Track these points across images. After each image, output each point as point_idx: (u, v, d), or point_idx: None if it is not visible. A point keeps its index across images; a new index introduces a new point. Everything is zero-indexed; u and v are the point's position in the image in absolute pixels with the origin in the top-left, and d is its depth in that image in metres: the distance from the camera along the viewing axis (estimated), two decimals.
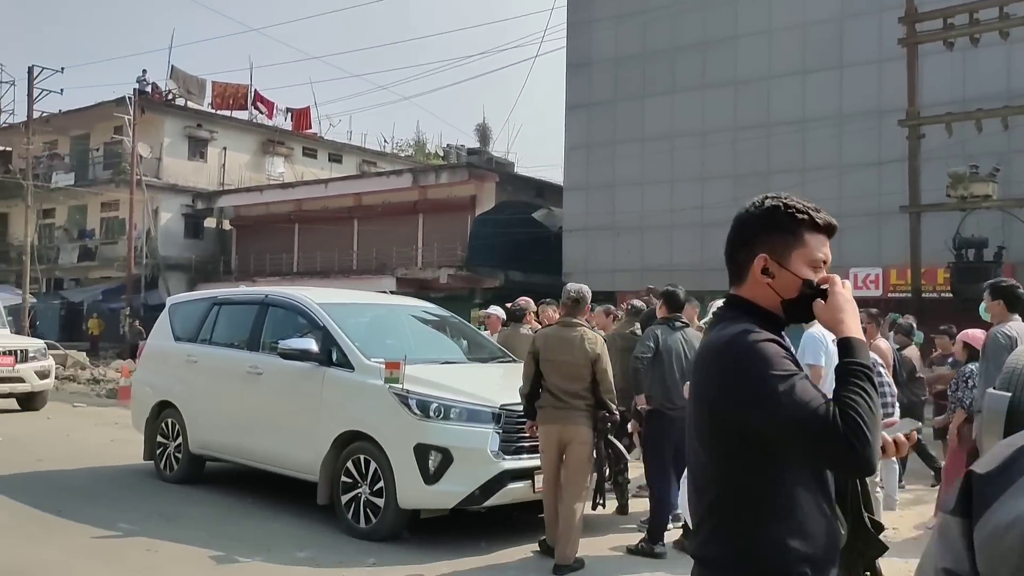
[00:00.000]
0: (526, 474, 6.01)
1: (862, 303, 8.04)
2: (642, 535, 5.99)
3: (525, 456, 6.04)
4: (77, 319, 36.90)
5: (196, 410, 7.88)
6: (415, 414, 5.99)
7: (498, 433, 5.95)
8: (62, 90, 60.15)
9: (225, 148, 38.78)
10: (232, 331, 7.93)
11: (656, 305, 7.18)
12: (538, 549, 5.94)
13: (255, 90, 39.96)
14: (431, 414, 5.96)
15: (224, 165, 38.71)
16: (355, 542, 6.10)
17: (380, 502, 6.13)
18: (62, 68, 38.15)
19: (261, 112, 40.42)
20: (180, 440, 8.02)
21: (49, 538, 6.09)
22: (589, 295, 6.06)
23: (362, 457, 6.29)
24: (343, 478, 6.39)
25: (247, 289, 8.50)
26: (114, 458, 9.42)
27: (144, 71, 36.87)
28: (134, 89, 34.99)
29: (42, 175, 36.53)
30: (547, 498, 5.79)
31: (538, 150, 79.20)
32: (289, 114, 41.59)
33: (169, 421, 8.19)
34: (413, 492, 5.95)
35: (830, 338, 6.52)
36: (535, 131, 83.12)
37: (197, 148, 38.30)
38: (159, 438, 8.29)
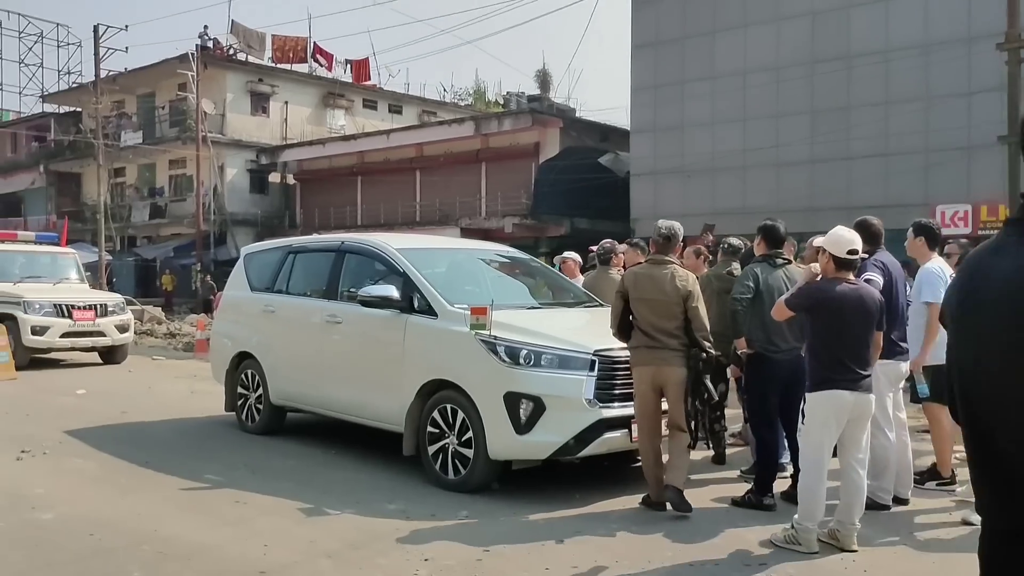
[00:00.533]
0: (623, 422, 5.71)
1: (952, 241, 7.34)
2: (748, 486, 5.66)
3: (621, 404, 5.73)
4: (151, 275, 37.69)
5: (275, 361, 7.75)
6: (504, 362, 5.71)
7: (593, 380, 5.63)
8: (127, 48, 60.94)
9: (286, 102, 38.81)
10: (308, 279, 7.75)
11: (750, 244, 6.78)
12: (642, 504, 5.65)
13: (314, 42, 39.80)
14: (521, 361, 5.68)
15: (286, 119, 38.78)
16: (444, 494, 5.91)
17: (469, 453, 5.91)
18: (126, 26, 38.29)
19: (321, 64, 40.27)
20: (261, 391, 7.92)
21: (139, 489, 6.03)
22: (681, 232, 5.68)
23: (449, 407, 6.07)
24: (429, 428, 6.18)
25: (322, 237, 8.29)
26: (195, 410, 9.43)
27: (205, 27, 37.13)
28: (196, 45, 35.09)
29: (111, 134, 37.08)
30: (643, 444, 5.49)
31: (601, 94, 77.76)
32: (348, 66, 41.38)
33: (249, 372, 8.09)
34: (504, 443, 5.71)
35: (948, 273, 6.03)
36: (598, 75, 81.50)
37: (259, 103, 38.41)
38: (239, 389, 8.22)
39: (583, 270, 9.07)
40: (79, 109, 41.90)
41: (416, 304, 6.45)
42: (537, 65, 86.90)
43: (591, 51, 74.39)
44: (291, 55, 39.08)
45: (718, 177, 24.85)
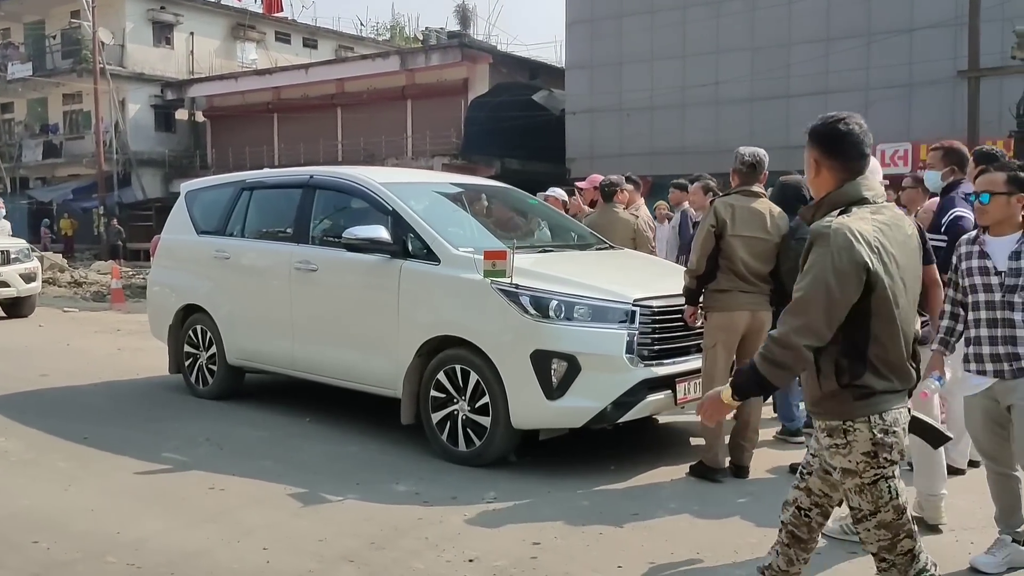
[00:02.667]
0: (666, 382, 4.94)
1: (893, 180, 6.86)
2: (795, 449, 5.00)
3: (665, 361, 4.95)
4: (47, 220, 35.06)
5: (232, 315, 6.68)
6: (530, 314, 4.84)
7: (634, 334, 4.83)
8: None
9: (192, 33, 36.28)
10: (271, 220, 6.66)
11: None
12: (691, 474, 4.93)
13: None
14: (551, 313, 4.82)
15: (192, 52, 36.29)
16: (457, 470, 5.06)
17: (484, 421, 5.06)
18: None
19: None
20: (214, 350, 6.85)
21: (84, 475, 4.97)
22: (767, 159, 4.91)
23: (458, 368, 5.18)
24: (433, 393, 5.29)
25: (283, 171, 7.19)
26: (129, 370, 8.27)
27: None
28: None
29: None
30: None
31: (524, 31, 75.71)
32: None
33: (198, 328, 7.00)
34: (532, 409, 4.87)
35: None
36: (521, 10, 79.44)
37: (162, 33, 35.79)
38: (187, 348, 7.12)
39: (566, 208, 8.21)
40: None
41: (411, 247, 5.49)
42: (455, 0, 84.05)
43: None
44: None
45: (656, 115, 24.19)
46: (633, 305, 4.87)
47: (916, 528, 2.55)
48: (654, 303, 4.96)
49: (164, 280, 7.45)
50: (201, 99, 35.15)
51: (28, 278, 12.42)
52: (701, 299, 4.89)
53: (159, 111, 35.47)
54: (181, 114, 36.26)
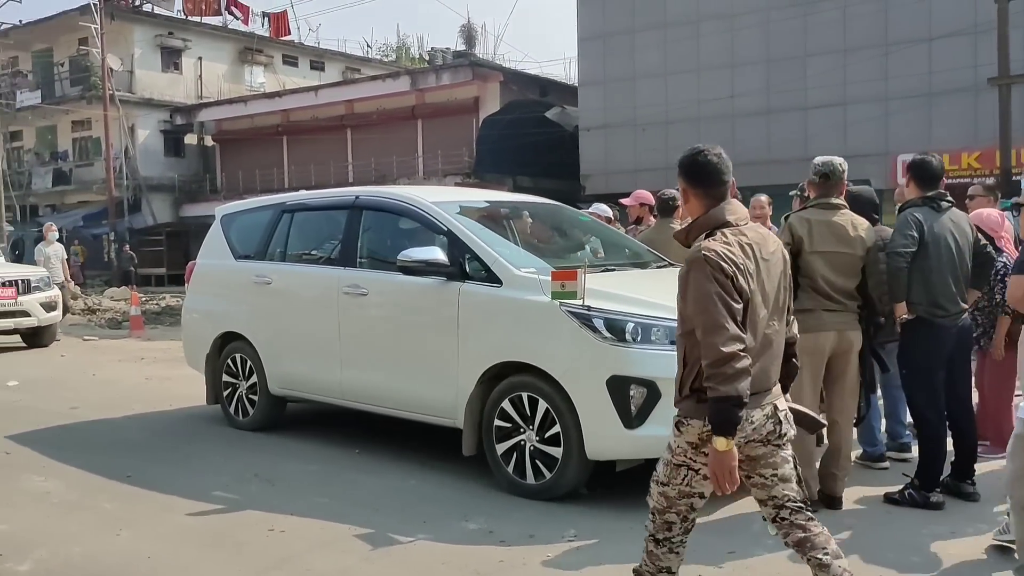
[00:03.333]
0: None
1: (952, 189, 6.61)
2: (908, 479, 4.69)
3: None
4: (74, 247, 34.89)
5: (274, 342, 6.42)
6: (605, 338, 4.56)
7: None
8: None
9: (200, 58, 36.26)
10: (315, 243, 6.41)
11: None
12: None
13: None
14: (628, 337, 4.54)
15: (201, 77, 36.25)
16: (527, 505, 4.77)
17: (554, 452, 4.77)
18: None
19: (236, 18, 37.75)
20: (255, 379, 6.58)
21: (132, 517, 4.69)
22: (844, 167, 4.64)
23: (525, 395, 4.90)
24: (497, 422, 5.01)
25: (327, 192, 6.93)
26: (160, 401, 8.00)
27: None
28: None
29: (5, 94, 33.96)
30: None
31: (532, 48, 75.73)
32: (266, 19, 38.90)
33: (237, 356, 6.73)
34: (609, 439, 4.59)
35: None
36: (527, 28, 79.59)
37: (171, 59, 35.77)
38: (225, 377, 6.85)
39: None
40: None
41: (469, 269, 5.23)
42: (461, 20, 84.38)
43: (522, 5, 72.34)
44: (203, 7, 36.37)
45: (672, 130, 23.97)
46: None
47: (689, 515, 2.93)
48: None
49: (200, 307, 7.19)
50: (210, 123, 35.08)
51: (48, 307, 12.18)
52: None
53: (168, 136, 35.39)
54: (190, 139, 36.19)
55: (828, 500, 4.59)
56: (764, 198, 6.94)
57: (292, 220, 6.54)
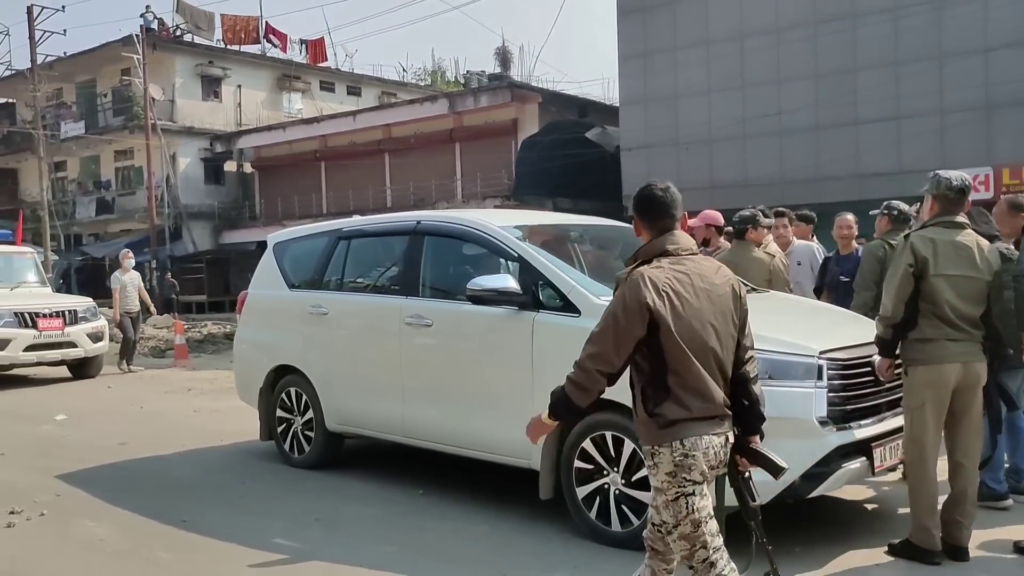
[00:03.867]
0: (861, 448, 4.22)
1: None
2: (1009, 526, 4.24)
3: (859, 423, 4.25)
4: (100, 275, 35.21)
5: (331, 376, 6.10)
6: None
7: (823, 393, 4.14)
8: (65, 31, 57.66)
9: (240, 86, 36.55)
10: (374, 272, 6.10)
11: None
12: (892, 553, 4.19)
13: (266, 21, 37.51)
14: None
15: (240, 104, 36.52)
16: (614, 555, 4.37)
17: (644, 497, 4.37)
18: (63, 7, 35.15)
19: (274, 45, 38.06)
20: (311, 414, 6.27)
21: (191, 569, 4.37)
22: (971, 184, 4.24)
23: (609, 435, 4.52)
24: (578, 463, 4.63)
25: (385, 217, 6.63)
26: (211, 436, 7.73)
27: (147, 6, 34.27)
28: (140, 26, 32.56)
29: (50, 125, 34.41)
30: (925, 471, 4.05)
31: (572, 69, 75.64)
32: (303, 46, 39.18)
33: (292, 391, 6.43)
34: None
35: None
36: (564, 49, 79.62)
37: (211, 87, 36.08)
38: (280, 412, 6.55)
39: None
40: (12, 100, 39.03)
41: (543, 298, 4.88)
42: (496, 43, 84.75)
43: (559, 25, 72.35)
44: (242, 36, 36.75)
45: (716, 148, 23.55)
46: (819, 358, 4.18)
47: (714, 539, 2.81)
48: (841, 355, 4.27)
49: (253, 338, 6.91)
50: (249, 150, 35.27)
51: (95, 338, 12.04)
52: (898, 350, 4.19)
53: (208, 164, 35.65)
54: (230, 166, 36.41)
55: (953, 551, 4.14)
56: (851, 217, 6.51)
57: (349, 247, 6.24)
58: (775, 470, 2.95)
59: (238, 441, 7.43)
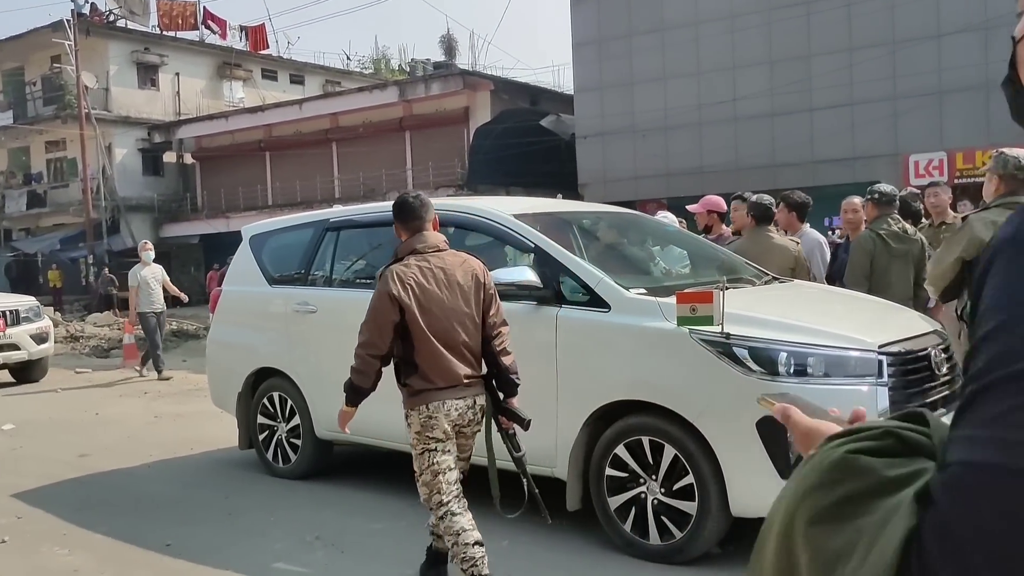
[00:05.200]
0: None
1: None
2: None
3: None
4: (32, 272, 33.72)
5: (321, 379, 5.62)
6: (752, 371, 3.83)
7: (885, 391, 3.83)
8: None
9: (178, 74, 35.27)
10: (367, 265, 5.63)
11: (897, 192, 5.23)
12: None
13: (204, 7, 36.23)
14: (780, 369, 3.82)
15: (179, 93, 35.26)
16: (650, 568, 4.02)
17: (684, 507, 4.03)
18: None
19: (213, 32, 36.79)
20: (297, 421, 5.78)
21: None
22: None
23: (646, 440, 4.16)
24: (609, 471, 4.27)
25: (377, 205, 6.13)
26: (178, 444, 7.17)
27: None
28: (72, 11, 31.09)
29: None
30: None
31: (523, 56, 74.99)
32: (243, 33, 37.97)
33: (275, 396, 5.94)
34: (760, 491, 3.84)
35: None
36: (515, 36, 78.95)
37: (147, 75, 34.74)
38: (261, 419, 6.04)
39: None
40: None
41: (566, 291, 4.49)
42: (442, 31, 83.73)
43: (511, 9, 71.66)
44: (179, 21, 35.44)
45: (672, 135, 23.41)
46: (879, 353, 3.88)
47: (451, 487, 3.56)
48: (898, 348, 3.98)
49: (229, 339, 6.37)
50: (189, 140, 34.06)
51: (40, 339, 11.28)
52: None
53: (147, 155, 34.34)
54: (169, 157, 35.14)
55: None
56: (857, 200, 6.23)
57: (338, 239, 5.76)
58: (521, 422, 3.67)
59: (210, 450, 6.90)
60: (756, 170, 21.76)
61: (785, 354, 3.83)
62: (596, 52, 24.41)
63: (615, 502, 4.26)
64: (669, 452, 4.08)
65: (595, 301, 4.38)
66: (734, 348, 3.88)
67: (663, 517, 4.12)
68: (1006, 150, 4.00)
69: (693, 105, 22.92)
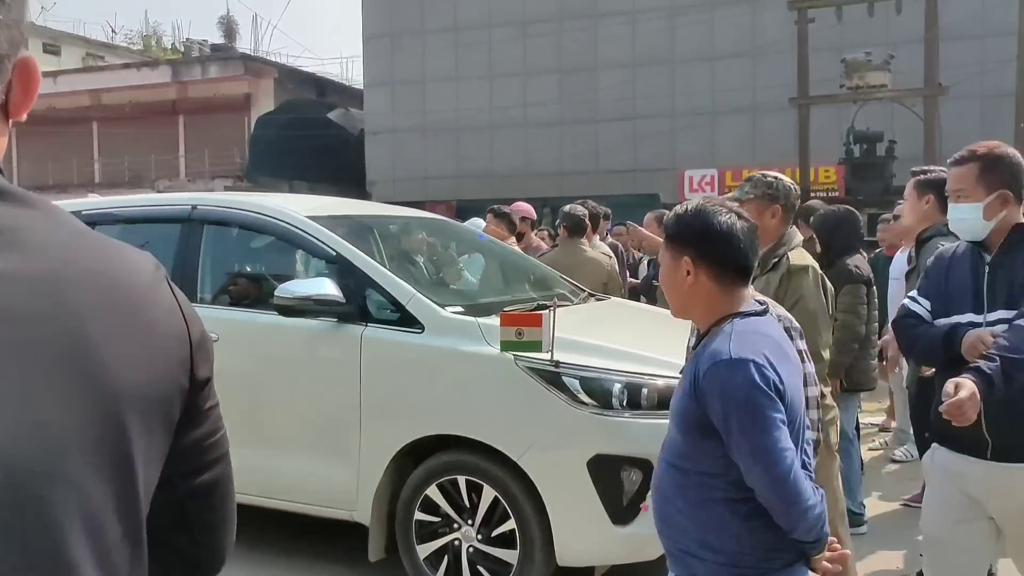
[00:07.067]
0: None
1: None
2: None
3: None
4: None
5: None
6: (584, 403, 3.45)
7: None
8: None
9: None
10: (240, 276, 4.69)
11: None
12: None
13: None
14: (614, 402, 3.46)
15: None
16: None
17: (506, 556, 3.58)
18: None
19: None
20: None
21: None
22: None
23: (462, 480, 3.67)
24: (419, 515, 3.74)
25: (144, 199, 5.16)
26: None
27: None
28: None
29: None
30: None
31: (310, 43, 72.11)
32: None
33: None
34: (589, 539, 3.47)
35: None
36: (302, 24, 75.87)
37: None
38: None
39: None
40: None
41: (373, 308, 3.91)
42: (220, 11, 79.10)
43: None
44: None
45: (463, 137, 23.24)
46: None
47: None
48: None
49: None
50: None
51: None
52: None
53: None
54: None
55: None
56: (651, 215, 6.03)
57: (210, 237, 4.78)
58: None
59: None
60: (545, 176, 22.06)
61: (619, 385, 3.48)
62: (388, 46, 23.77)
63: (425, 550, 3.74)
64: (488, 493, 3.61)
65: (406, 320, 3.82)
66: (564, 378, 3.48)
67: (479, 567, 3.64)
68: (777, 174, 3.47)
69: (485, 108, 22.87)
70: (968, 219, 2.53)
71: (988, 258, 2.51)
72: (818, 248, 5.14)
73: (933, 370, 2.79)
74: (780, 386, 1.85)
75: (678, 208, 2.13)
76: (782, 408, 1.84)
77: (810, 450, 2.05)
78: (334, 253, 4.04)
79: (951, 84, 13.98)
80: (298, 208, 4.33)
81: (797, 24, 14.06)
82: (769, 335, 1.95)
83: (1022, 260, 2.45)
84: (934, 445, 2.68)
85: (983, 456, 2.46)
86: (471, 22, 22.84)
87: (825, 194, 15.21)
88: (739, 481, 1.87)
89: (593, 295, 5.00)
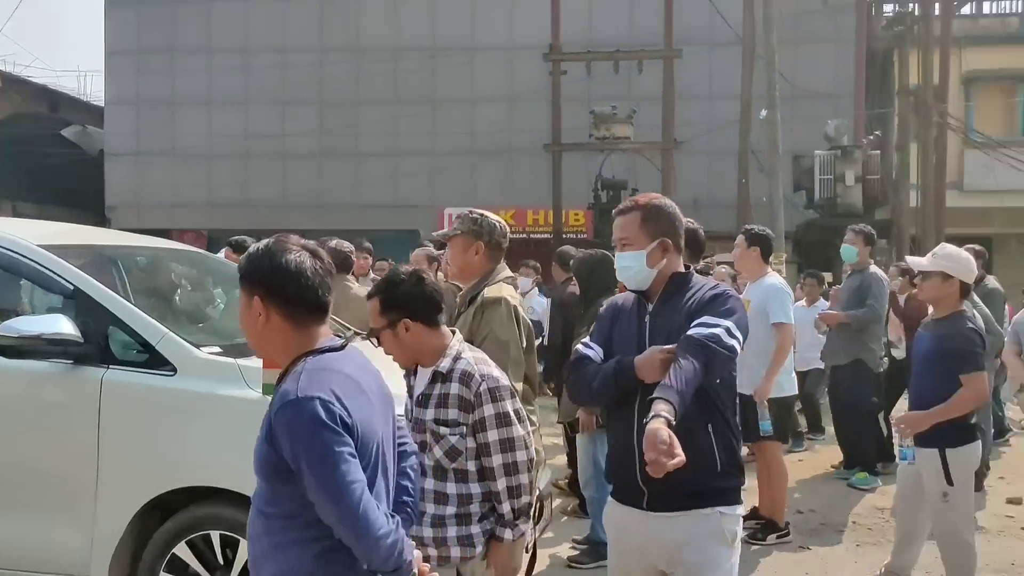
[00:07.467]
0: None
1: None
2: None
3: None
4: None
5: None
6: None
7: None
8: None
9: None
10: None
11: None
12: None
13: None
14: None
15: None
16: None
17: None
18: None
19: None
20: None
21: None
22: None
23: (215, 535, 3.40)
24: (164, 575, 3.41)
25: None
26: None
27: None
28: None
29: None
30: None
31: (42, 53, 65.36)
32: None
33: None
34: None
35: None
36: (32, 29, 68.54)
37: None
38: None
39: None
40: None
41: (115, 348, 3.54)
42: None
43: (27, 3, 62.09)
44: None
45: (216, 164, 22.14)
46: None
47: None
48: None
49: None
50: None
51: None
52: None
53: None
54: None
55: None
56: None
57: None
58: None
59: None
60: (303, 208, 21.50)
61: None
62: (133, 64, 22.23)
63: None
64: (245, 549, 3.36)
65: (156, 361, 3.50)
66: None
67: None
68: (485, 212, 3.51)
69: (240, 135, 21.95)
70: (632, 267, 2.62)
71: (650, 307, 2.62)
72: (577, 290, 5.40)
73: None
74: (348, 420, 1.85)
75: (251, 248, 2.08)
76: (350, 441, 1.84)
77: (414, 474, 2.18)
78: (71, 287, 3.63)
79: (684, 140, 15.38)
80: (27, 235, 3.86)
81: (552, 75, 14.82)
82: (340, 371, 1.94)
83: (678, 307, 2.56)
84: (609, 499, 2.72)
85: (639, 506, 2.52)
86: (225, 45, 21.93)
87: (575, 235, 16.07)
88: (316, 520, 1.87)
89: (359, 333, 4.88)
